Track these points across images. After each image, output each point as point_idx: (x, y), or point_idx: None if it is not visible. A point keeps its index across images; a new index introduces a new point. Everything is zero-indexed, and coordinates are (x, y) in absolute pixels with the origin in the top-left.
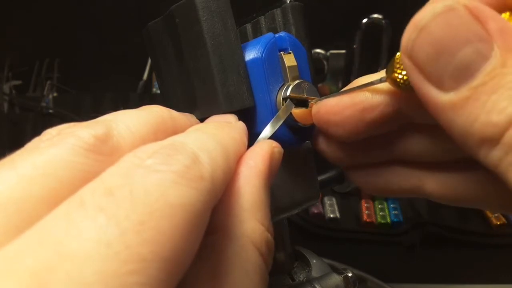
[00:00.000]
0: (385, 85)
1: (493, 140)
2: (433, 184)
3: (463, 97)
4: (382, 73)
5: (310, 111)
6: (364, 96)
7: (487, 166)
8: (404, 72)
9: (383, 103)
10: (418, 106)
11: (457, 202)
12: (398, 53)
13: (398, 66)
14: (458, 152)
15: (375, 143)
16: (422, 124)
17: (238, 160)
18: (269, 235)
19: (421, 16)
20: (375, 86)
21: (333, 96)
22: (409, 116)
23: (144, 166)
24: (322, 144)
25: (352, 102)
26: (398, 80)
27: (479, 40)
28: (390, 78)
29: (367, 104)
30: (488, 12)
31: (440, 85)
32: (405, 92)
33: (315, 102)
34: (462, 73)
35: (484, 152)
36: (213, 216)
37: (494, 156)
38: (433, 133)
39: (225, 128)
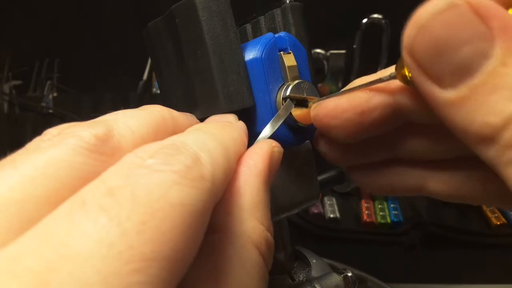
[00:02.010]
0: (383, 86)
1: (490, 139)
2: (435, 182)
3: (462, 95)
4: (390, 70)
5: (310, 111)
6: (362, 99)
7: (485, 162)
8: None
9: (382, 104)
10: (422, 104)
11: (458, 199)
12: None
13: None
14: (459, 150)
15: (376, 143)
16: (423, 124)
17: (238, 159)
18: (269, 235)
19: (422, 13)
20: (373, 87)
21: (331, 97)
22: (411, 115)
23: (145, 166)
24: (323, 146)
25: (350, 105)
26: (409, 75)
27: (480, 39)
28: (400, 74)
29: (365, 107)
30: (493, 9)
31: (441, 83)
32: (414, 88)
33: (314, 105)
34: (462, 72)
35: (481, 150)
36: (213, 216)
37: (491, 154)
38: (434, 132)
39: (226, 128)
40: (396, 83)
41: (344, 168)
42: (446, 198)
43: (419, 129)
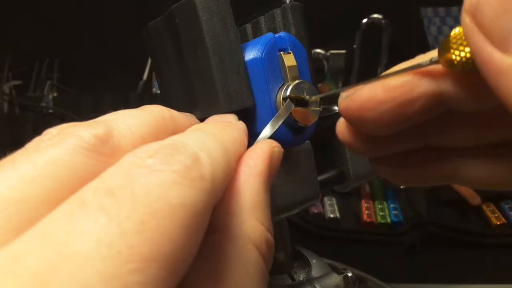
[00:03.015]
0: (423, 73)
1: None
2: (470, 169)
3: None
4: (430, 55)
5: (310, 111)
6: (402, 88)
7: None
8: (462, 52)
9: (425, 94)
10: (468, 91)
11: (492, 186)
12: (453, 32)
13: (454, 45)
14: (498, 136)
15: (409, 132)
16: (463, 111)
17: (238, 160)
18: (269, 235)
19: None
20: (414, 73)
21: (360, 86)
22: (454, 103)
23: (144, 166)
24: (349, 137)
25: (389, 96)
26: (455, 59)
27: None
28: (444, 58)
29: (406, 97)
30: None
31: (504, 47)
32: (460, 73)
33: (343, 95)
34: None
35: None
36: (213, 216)
37: None
38: (475, 118)
39: (226, 128)
40: (438, 68)
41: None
42: (479, 185)
43: (458, 116)
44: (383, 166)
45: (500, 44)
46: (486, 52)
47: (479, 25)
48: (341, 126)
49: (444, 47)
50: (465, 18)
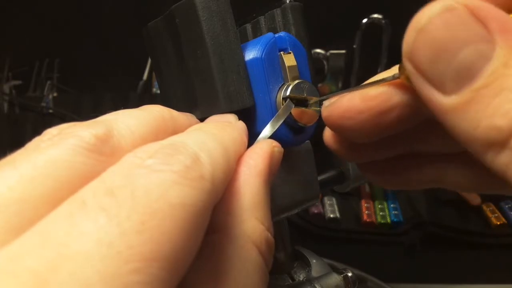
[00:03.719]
0: (399, 84)
1: (499, 144)
2: (453, 174)
3: (465, 100)
4: (394, 70)
5: (310, 111)
6: (378, 99)
7: (495, 171)
8: None
9: (400, 104)
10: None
11: (478, 190)
12: None
13: None
14: None
15: (392, 139)
16: None
17: (238, 159)
18: (269, 235)
19: (420, 18)
20: (392, 86)
21: (340, 94)
22: (428, 113)
23: (144, 166)
24: (334, 144)
25: (366, 106)
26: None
27: (480, 40)
28: (403, 75)
29: (382, 107)
30: (491, 11)
31: (442, 88)
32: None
33: (326, 104)
34: (463, 75)
35: (490, 157)
36: (213, 216)
37: (501, 161)
38: None
39: (225, 127)
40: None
41: (355, 165)
42: (464, 189)
43: (437, 125)
44: (370, 172)
45: (438, 86)
46: (428, 94)
47: (417, 69)
48: (326, 133)
49: (403, 65)
50: (405, 63)
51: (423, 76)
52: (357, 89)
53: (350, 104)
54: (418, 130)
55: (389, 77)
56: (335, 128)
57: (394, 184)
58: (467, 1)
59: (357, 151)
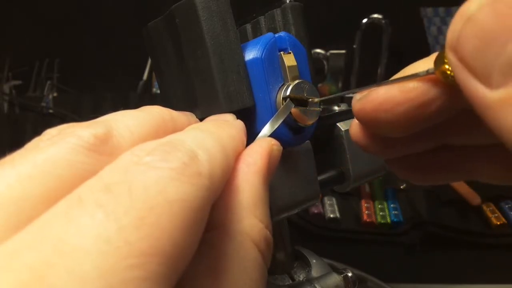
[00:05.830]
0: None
1: None
2: (486, 166)
3: None
4: (429, 63)
5: (310, 111)
6: (419, 90)
7: None
8: None
9: (442, 95)
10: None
11: (508, 182)
12: None
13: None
14: None
15: (424, 132)
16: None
17: (236, 157)
18: (268, 232)
19: (468, 6)
20: (425, 81)
21: (376, 88)
22: (465, 105)
23: (142, 163)
24: (363, 139)
25: (406, 98)
26: (450, 74)
27: None
28: (439, 70)
29: (423, 99)
30: None
31: (488, 81)
32: (453, 86)
33: (357, 97)
34: None
35: None
36: (212, 213)
37: None
38: None
39: (223, 126)
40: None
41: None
42: (496, 181)
43: (475, 117)
44: (400, 167)
45: (483, 79)
46: (471, 87)
47: (461, 60)
48: (354, 127)
49: (440, 59)
50: (448, 54)
51: (468, 68)
52: (386, 84)
53: (387, 96)
54: (455, 122)
55: (422, 72)
56: (368, 122)
57: (422, 179)
58: None
59: (387, 146)
